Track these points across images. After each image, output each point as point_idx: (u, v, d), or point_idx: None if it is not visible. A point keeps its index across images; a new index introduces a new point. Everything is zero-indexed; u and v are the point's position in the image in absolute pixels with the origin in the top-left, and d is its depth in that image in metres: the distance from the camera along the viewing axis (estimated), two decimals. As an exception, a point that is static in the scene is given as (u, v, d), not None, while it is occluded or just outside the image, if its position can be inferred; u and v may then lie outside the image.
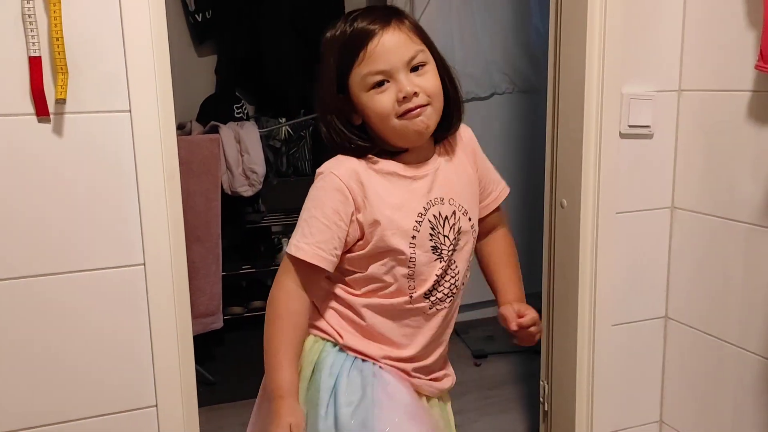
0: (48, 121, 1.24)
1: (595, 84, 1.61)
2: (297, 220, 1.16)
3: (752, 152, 1.52)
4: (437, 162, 1.19)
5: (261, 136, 2.60)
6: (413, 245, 1.14)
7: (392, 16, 1.12)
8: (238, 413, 2.34)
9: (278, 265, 1.19)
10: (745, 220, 1.55)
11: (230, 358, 2.79)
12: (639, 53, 1.62)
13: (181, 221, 1.36)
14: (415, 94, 1.09)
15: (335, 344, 1.18)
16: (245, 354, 2.86)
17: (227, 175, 2.53)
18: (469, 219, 1.20)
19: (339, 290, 1.19)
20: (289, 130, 2.72)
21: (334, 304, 1.20)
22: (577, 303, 1.70)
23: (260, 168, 2.56)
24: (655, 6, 1.62)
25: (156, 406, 1.37)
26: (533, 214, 2.88)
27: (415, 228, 1.14)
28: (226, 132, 2.52)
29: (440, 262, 1.17)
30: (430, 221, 1.15)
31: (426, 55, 1.12)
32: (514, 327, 1.21)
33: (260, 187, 2.59)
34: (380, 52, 1.09)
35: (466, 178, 1.22)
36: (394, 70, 1.09)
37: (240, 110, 2.82)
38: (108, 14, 1.24)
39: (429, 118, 1.11)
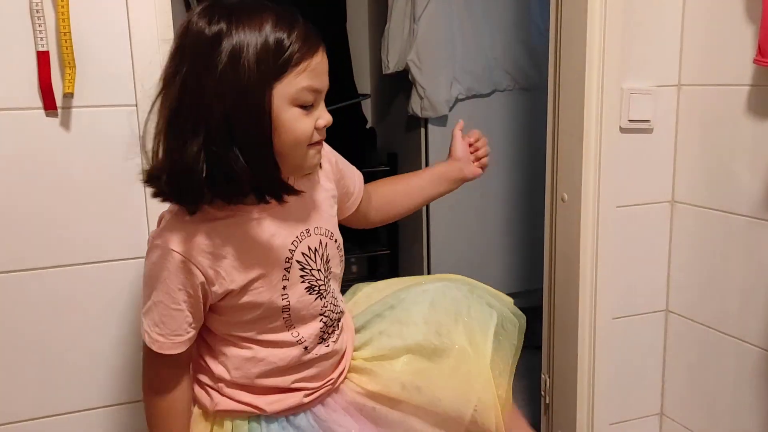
0: (56, 115, 1.25)
1: (596, 79, 1.62)
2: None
3: (751, 146, 1.53)
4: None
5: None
6: (285, 296, 1.01)
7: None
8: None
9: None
10: (745, 213, 1.57)
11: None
12: (639, 49, 1.63)
13: (186, 215, 1.37)
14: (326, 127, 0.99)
15: (259, 416, 1.07)
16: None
17: (230, 172, 2.53)
18: (335, 241, 1.09)
19: (220, 368, 1.06)
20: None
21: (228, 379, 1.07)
22: (577, 296, 1.72)
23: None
24: (654, 1, 1.63)
25: (162, 397, 1.39)
26: (534, 209, 2.89)
27: (284, 277, 1.01)
28: (229, 129, 2.53)
29: (320, 299, 1.06)
30: (299, 262, 1.02)
31: None
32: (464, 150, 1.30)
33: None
34: (320, 71, 0.96)
35: (324, 198, 1.10)
36: (321, 96, 0.98)
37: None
38: (114, 9, 1.26)
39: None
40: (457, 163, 1.31)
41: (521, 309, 3.65)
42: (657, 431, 1.85)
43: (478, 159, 1.33)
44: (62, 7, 1.20)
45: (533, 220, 2.93)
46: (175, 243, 0.96)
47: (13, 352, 1.30)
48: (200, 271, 0.96)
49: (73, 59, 1.22)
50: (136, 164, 1.30)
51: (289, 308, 1.03)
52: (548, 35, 1.78)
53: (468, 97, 2.89)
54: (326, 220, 1.09)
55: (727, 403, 1.66)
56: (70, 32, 1.21)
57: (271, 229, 1.01)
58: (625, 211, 1.69)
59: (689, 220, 1.71)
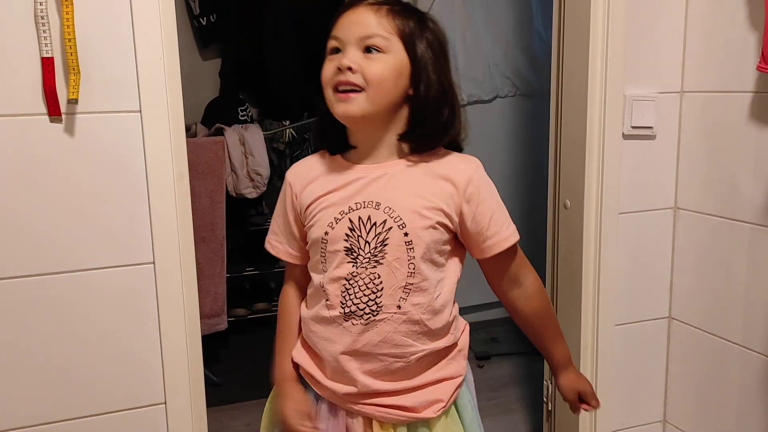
0: (60, 121, 1.25)
1: (598, 86, 1.62)
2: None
3: (754, 152, 1.53)
4: (396, 167, 1.13)
5: (265, 139, 2.61)
6: (325, 241, 1.12)
7: (388, 3, 1.10)
8: (243, 414, 2.35)
9: (281, 268, 1.25)
10: (748, 220, 1.57)
11: (235, 360, 2.80)
12: (641, 55, 1.64)
13: (189, 221, 1.37)
14: (350, 68, 1.05)
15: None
16: (249, 356, 2.88)
17: (232, 177, 2.54)
18: (405, 234, 1.10)
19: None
20: (293, 132, 2.74)
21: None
22: (580, 303, 1.72)
23: (264, 170, 2.57)
24: (657, 8, 1.64)
25: (165, 403, 1.39)
26: (534, 214, 2.89)
27: (330, 225, 1.11)
28: (231, 134, 2.54)
29: (353, 266, 1.11)
30: (351, 221, 1.11)
31: (387, 44, 1.07)
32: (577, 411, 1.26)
33: (264, 189, 2.61)
34: (345, 22, 1.09)
35: (423, 195, 1.11)
36: (345, 42, 1.08)
37: (244, 113, 2.83)
38: (119, 15, 1.26)
39: (356, 106, 1.07)
40: (563, 386, 1.26)
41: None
42: (660, 438, 1.85)
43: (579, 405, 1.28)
44: (67, 13, 1.20)
45: (533, 226, 2.93)
46: (291, 169, 1.21)
47: (15, 357, 1.30)
48: (292, 191, 1.18)
49: (78, 65, 1.22)
50: (139, 170, 1.31)
51: (325, 256, 1.13)
52: (549, 42, 1.79)
53: (470, 103, 2.90)
54: (408, 213, 1.10)
55: (731, 410, 1.65)
56: (75, 38, 1.21)
57: (346, 184, 1.13)
58: (627, 217, 1.69)
59: (692, 227, 1.71)
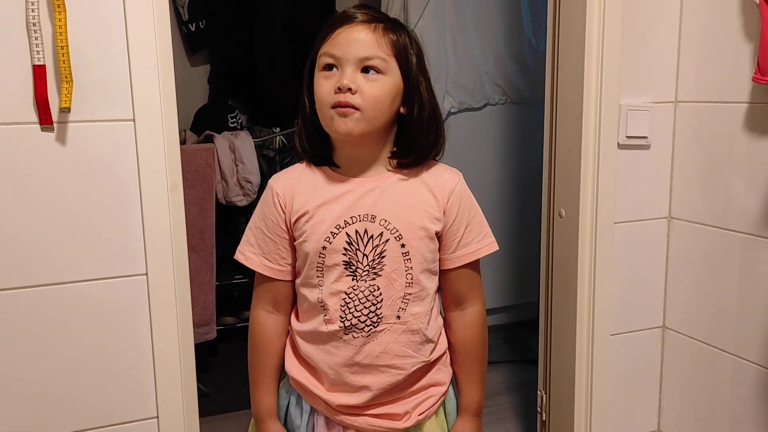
0: (51, 129, 1.23)
1: (594, 95, 1.62)
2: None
3: (748, 163, 1.54)
4: (388, 180, 1.14)
5: (255, 146, 2.59)
6: (323, 255, 1.12)
7: (381, 21, 1.10)
8: (233, 425, 2.32)
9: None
10: (742, 230, 1.57)
11: (224, 369, 2.77)
12: (637, 65, 1.64)
13: (183, 232, 1.35)
14: (350, 89, 1.06)
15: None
16: (239, 365, 2.84)
17: (222, 185, 2.52)
18: (402, 245, 1.12)
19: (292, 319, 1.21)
20: (283, 139, 2.72)
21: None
22: (575, 313, 1.71)
23: (255, 178, 2.55)
24: (652, 18, 1.64)
25: (157, 417, 1.36)
26: (525, 222, 2.90)
27: (327, 239, 1.11)
28: (221, 141, 2.52)
29: (352, 280, 1.12)
30: (348, 235, 1.11)
31: (386, 65, 1.08)
32: None
33: (255, 196, 2.58)
34: (342, 39, 1.08)
35: (415, 206, 1.14)
36: (344, 60, 1.07)
37: (234, 120, 2.81)
38: (113, 23, 1.24)
39: (355, 124, 1.07)
40: None
41: (514, 323, 3.63)
42: (654, 448, 1.85)
43: None
44: (60, 20, 1.18)
45: (525, 233, 2.93)
46: (275, 180, 1.18)
47: (5, 371, 1.27)
48: (281, 205, 1.15)
49: (70, 73, 1.20)
50: (132, 180, 1.29)
51: (322, 271, 1.12)
52: (539, 49, 1.78)
53: (460, 111, 2.90)
54: (403, 224, 1.12)
55: (724, 419, 1.66)
56: (67, 46, 1.19)
57: (340, 198, 1.13)
58: (622, 227, 1.69)
59: (686, 237, 1.71)
